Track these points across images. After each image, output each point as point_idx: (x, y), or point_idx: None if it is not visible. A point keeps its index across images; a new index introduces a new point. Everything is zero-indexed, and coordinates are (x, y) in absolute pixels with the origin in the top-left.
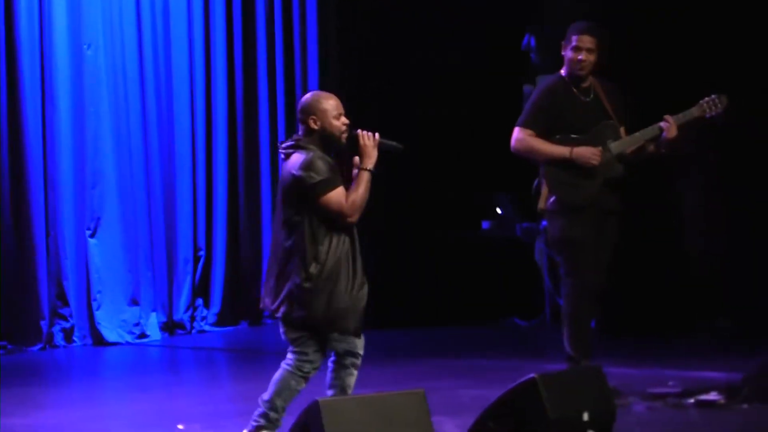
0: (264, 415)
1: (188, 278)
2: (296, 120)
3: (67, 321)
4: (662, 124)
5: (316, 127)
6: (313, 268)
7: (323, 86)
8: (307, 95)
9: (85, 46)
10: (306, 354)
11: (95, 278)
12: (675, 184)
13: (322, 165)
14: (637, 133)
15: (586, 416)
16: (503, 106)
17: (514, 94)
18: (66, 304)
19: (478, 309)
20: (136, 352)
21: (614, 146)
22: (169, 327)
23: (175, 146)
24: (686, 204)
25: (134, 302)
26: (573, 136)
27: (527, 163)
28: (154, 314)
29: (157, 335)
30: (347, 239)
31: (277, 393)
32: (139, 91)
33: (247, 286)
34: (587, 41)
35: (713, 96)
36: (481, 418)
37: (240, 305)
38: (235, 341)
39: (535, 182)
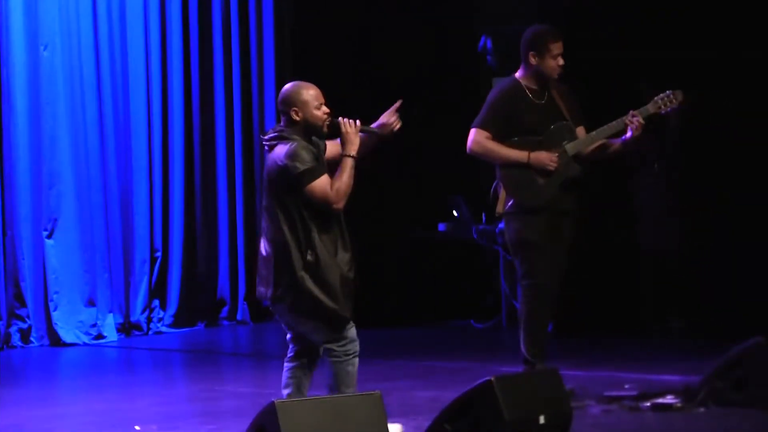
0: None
1: (145, 279)
2: (273, 112)
3: (24, 321)
4: (627, 119)
5: (297, 118)
6: (309, 256)
7: (279, 86)
8: (288, 86)
9: (41, 47)
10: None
11: (52, 279)
12: (628, 186)
13: (305, 154)
14: (593, 133)
15: (542, 419)
16: (459, 107)
17: (470, 96)
18: (23, 304)
19: (435, 311)
20: (93, 353)
21: (570, 147)
22: (126, 328)
23: (132, 148)
24: (639, 205)
25: (91, 303)
26: (532, 139)
27: (483, 165)
28: (110, 315)
29: (114, 336)
30: (336, 226)
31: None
32: (95, 93)
33: (204, 287)
34: (561, 47)
35: (668, 92)
36: (437, 420)
37: (196, 306)
38: (191, 342)
39: (493, 185)
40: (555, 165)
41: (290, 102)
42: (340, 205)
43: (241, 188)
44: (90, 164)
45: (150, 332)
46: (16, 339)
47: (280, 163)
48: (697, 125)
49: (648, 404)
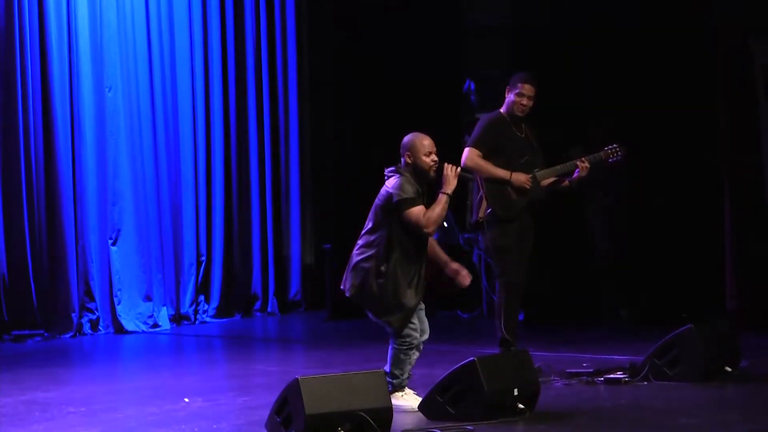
0: (390, 383)
1: (192, 279)
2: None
3: (94, 313)
4: (578, 162)
5: (409, 161)
6: (383, 268)
7: (300, 122)
8: (408, 135)
9: (106, 89)
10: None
11: (116, 279)
12: (584, 204)
13: (409, 187)
14: (557, 167)
15: (515, 391)
16: (447, 137)
17: (455, 127)
18: (92, 299)
19: (428, 303)
20: (149, 339)
21: (540, 174)
22: (177, 319)
23: (181, 170)
24: (594, 221)
25: (148, 298)
26: (514, 162)
27: (464, 186)
28: (164, 308)
29: (167, 325)
30: (416, 258)
31: (394, 365)
32: (150, 125)
33: (240, 284)
34: (529, 89)
35: (615, 145)
36: (430, 392)
37: (234, 300)
38: (229, 330)
39: (476, 197)
40: (529, 185)
41: (406, 147)
42: (431, 230)
43: (270, 204)
44: (146, 184)
45: (196, 322)
46: (86, 328)
47: (389, 190)
48: (630, 166)
49: (602, 379)
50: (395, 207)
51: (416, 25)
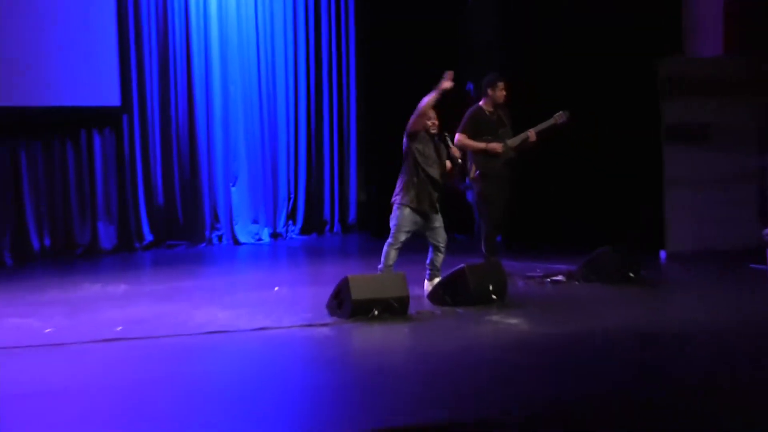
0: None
1: (284, 208)
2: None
3: (219, 231)
4: (529, 132)
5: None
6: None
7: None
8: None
9: (230, 86)
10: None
11: (234, 209)
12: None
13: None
14: (520, 135)
15: (491, 287)
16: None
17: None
18: (218, 221)
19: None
20: (255, 249)
21: (509, 142)
22: (274, 235)
23: (277, 136)
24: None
25: (255, 222)
26: (489, 137)
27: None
28: (266, 228)
29: (267, 240)
30: (433, 162)
31: (385, 259)
32: (258, 107)
33: (316, 213)
34: (503, 86)
35: (561, 112)
36: (434, 287)
37: (312, 223)
38: (308, 244)
39: (470, 164)
40: (501, 150)
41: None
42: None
43: (336, 158)
44: (255, 146)
45: (287, 238)
46: (215, 240)
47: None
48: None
49: (548, 280)
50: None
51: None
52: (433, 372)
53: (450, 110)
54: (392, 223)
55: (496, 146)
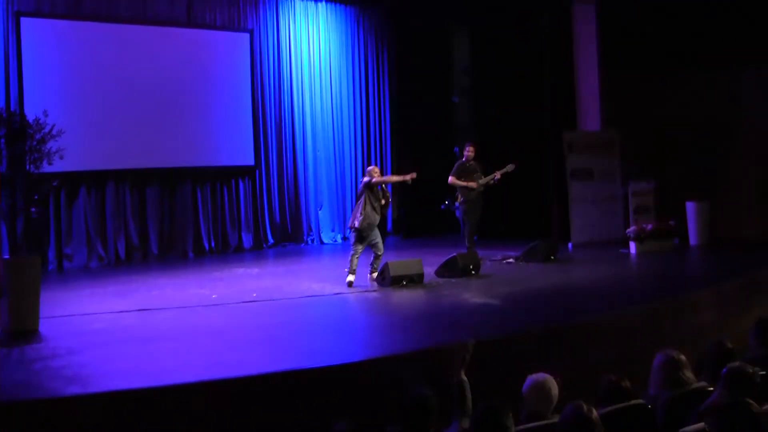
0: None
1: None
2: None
3: (312, 236)
4: (496, 174)
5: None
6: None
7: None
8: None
9: (318, 147)
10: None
11: (321, 222)
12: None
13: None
14: (487, 177)
15: (471, 267)
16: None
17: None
18: (311, 230)
19: (442, 235)
20: (333, 247)
21: (480, 181)
22: (344, 238)
23: (345, 179)
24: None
25: (333, 230)
26: (468, 178)
27: (452, 190)
28: (339, 234)
29: (340, 241)
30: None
31: (350, 264)
32: (333, 162)
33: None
34: (471, 149)
35: (511, 163)
36: (439, 267)
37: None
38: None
39: (457, 194)
40: (476, 186)
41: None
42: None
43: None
44: (332, 186)
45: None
46: (310, 242)
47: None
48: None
49: (504, 261)
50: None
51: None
52: (439, 314)
53: (442, 163)
54: (351, 241)
55: (473, 183)
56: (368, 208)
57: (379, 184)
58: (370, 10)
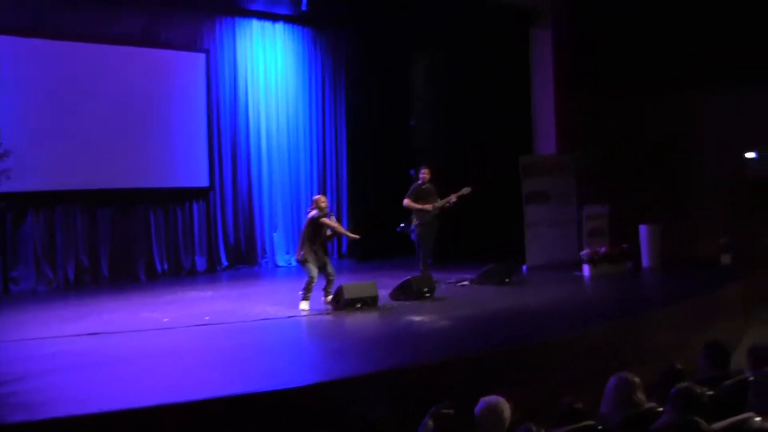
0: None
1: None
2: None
3: (266, 258)
4: (451, 197)
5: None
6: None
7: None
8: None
9: (274, 171)
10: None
11: (276, 245)
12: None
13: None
14: (443, 200)
15: (426, 289)
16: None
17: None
18: (266, 253)
19: (398, 258)
20: (287, 270)
21: (436, 204)
22: (294, 263)
23: (300, 203)
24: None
25: (288, 253)
26: (424, 201)
27: (405, 212)
28: (293, 257)
29: (294, 264)
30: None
31: (305, 288)
32: (288, 186)
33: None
34: (427, 171)
35: (467, 187)
36: (393, 290)
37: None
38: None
39: (413, 216)
40: (432, 209)
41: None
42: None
43: (336, 209)
44: (286, 209)
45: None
46: (264, 264)
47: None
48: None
49: (459, 284)
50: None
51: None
52: (394, 337)
53: (398, 186)
54: (304, 270)
55: (428, 206)
56: (308, 245)
57: (325, 226)
58: (327, 32)
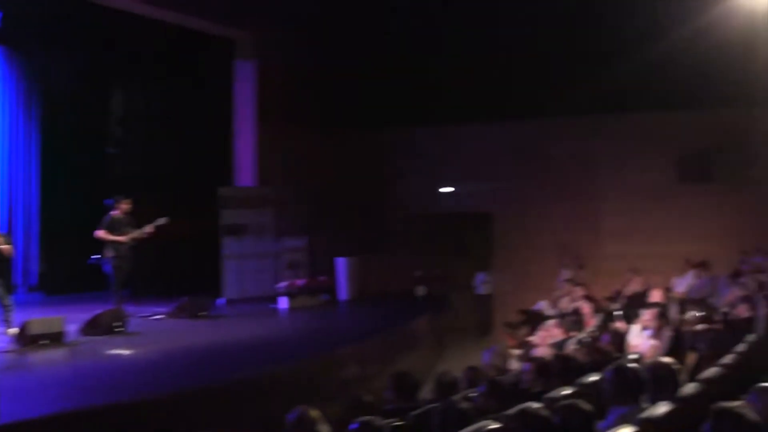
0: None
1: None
2: None
3: None
4: (145, 229)
5: None
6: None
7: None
8: None
9: None
10: None
11: None
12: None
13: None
14: (138, 230)
15: (117, 323)
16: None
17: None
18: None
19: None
20: None
21: (131, 235)
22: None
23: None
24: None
25: None
26: (119, 232)
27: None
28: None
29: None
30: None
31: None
32: None
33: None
34: (126, 203)
35: (164, 217)
36: (84, 325)
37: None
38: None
39: (107, 248)
40: (126, 240)
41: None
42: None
43: (23, 237)
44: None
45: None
46: None
47: None
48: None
49: (152, 318)
50: None
51: None
52: (79, 374)
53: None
54: None
55: (122, 237)
56: None
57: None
58: (20, 56)
